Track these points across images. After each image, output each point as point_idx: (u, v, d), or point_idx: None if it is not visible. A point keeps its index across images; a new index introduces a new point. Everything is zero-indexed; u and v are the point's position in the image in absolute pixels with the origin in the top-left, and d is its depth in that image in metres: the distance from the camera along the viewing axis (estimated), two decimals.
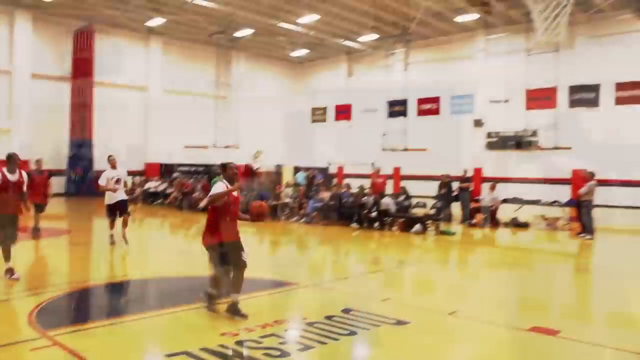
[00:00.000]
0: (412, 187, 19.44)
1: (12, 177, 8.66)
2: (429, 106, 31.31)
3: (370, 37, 30.37)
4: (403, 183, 25.85)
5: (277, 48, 33.45)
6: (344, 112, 35.17)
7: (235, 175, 7.33)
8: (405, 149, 30.52)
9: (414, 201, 17.69)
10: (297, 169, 29.94)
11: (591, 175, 15.64)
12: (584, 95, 25.77)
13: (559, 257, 13.85)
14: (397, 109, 32.08)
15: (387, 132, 31.27)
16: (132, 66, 29.74)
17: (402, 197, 17.82)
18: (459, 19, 26.93)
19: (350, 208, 17.80)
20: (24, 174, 8.99)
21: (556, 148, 25.14)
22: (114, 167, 12.27)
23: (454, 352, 5.93)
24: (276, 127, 35.64)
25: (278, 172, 32.65)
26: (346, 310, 6.94)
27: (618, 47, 23.92)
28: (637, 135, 24.15)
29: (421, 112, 31.50)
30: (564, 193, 22.02)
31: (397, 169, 30.37)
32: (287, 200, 19.89)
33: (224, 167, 7.39)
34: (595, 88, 25.49)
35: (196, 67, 32.23)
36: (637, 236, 17.61)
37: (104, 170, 12.30)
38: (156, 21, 27.51)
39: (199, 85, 32.04)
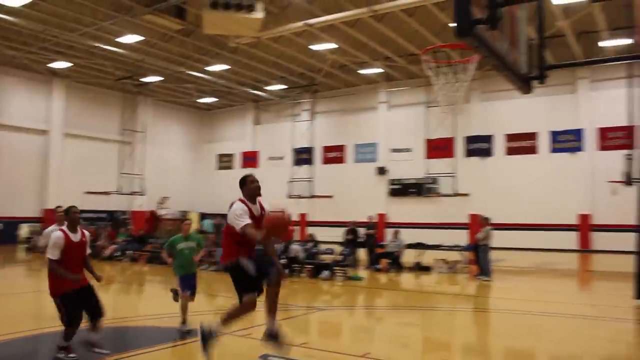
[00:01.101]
0: (319, 233, 19.83)
1: (75, 237, 6.94)
2: (335, 154, 32.18)
3: (278, 86, 31.04)
4: (310, 229, 26.29)
5: (185, 95, 33.54)
6: (250, 159, 35.50)
7: (258, 190, 6.17)
8: (312, 196, 31.06)
9: (322, 247, 18.02)
10: (203, 216, 29.76)
11: (487, 221, 16.62)
12: (479, 146, 27.48)
13: (459, 298, 14.56)
14: (303, 156, 32.75)
15: (293, 180, 31.80)
16: (32, 109, 28.75)
17: (310, 244, 18.13)
18: (363, 71, 28.12)
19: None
20: (86, 232, 7.28)
21: (454, 195, 26.45)
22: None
23: None
24: (182, 174, 35.40)
25: (184, 219, 32.23)
26: (264, 357, 7.08)
27: (507, 101, 25.70)
28: (524, 182, 25.98)
29: (327, 160, 32.32)
30: (463, 237, 23.19)
31: (303, 216, 30.83)
32: None
33: (244, 181, 6.15)
34: (488, 139, 27.29)
35: (101, 111, 31.62)
36: (529, 275, 18.77)
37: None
38: (60, 64, 26.92)
39: (104, 130, 31.41)
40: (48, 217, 28.48)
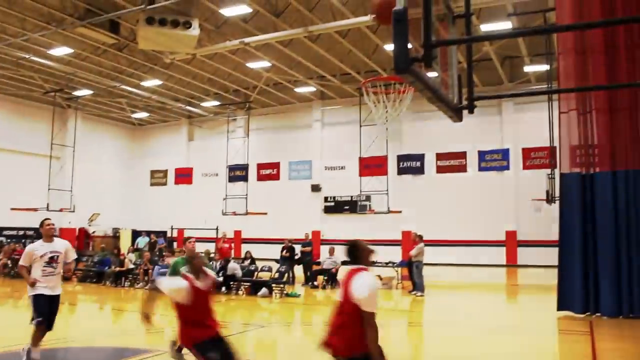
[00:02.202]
0: (255, 250, 19.87)
1: (202, 284, 5.96)
2: (269, 171, 32.31)
3: (212, 103, 30.99)
4: (246, 247, 26.24)
5: (118, 110, 32.95)
6: (184, 175, 35.16)
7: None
8: (247, 213, 31.03)
9: (259, 265, 18.08)
10: (135, 233, 29.18)
11: (420, 238, 17.10)
12: (411, 164, 28.23)
13: (394, 313, 14.93)
14: (237, 173, 32.69)
15: (228, 196, 31.69)
16: None
17: (247, 262, 18.17)
18: (298, 90, 28.47)
19: None
20: (212, 273, 6.37)
21: (388, 212, 27.03)
22: (48, 238, 7.68)
23: None
24: (114, 190, 34.65)
25: (115, 236, 31.57)
26: None
27: (438, 121, 26.58)
28: (455, 200, 26.85)
29: (261, 177, 32.41)
30: (397, 254, 23.71)
31: (238, 233, 30.76)
32: (131, 266, 19.41)
33: (361, 249, 5.18)
34: (420, 157, 28.07)
35: (29, 125, 30.55)
36: (460, 290, 19.39)
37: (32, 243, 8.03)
38: None
39: (32, 144, 30.33)
40: None
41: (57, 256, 7.51)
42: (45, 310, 7.27)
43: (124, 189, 35.69)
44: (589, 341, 9.60)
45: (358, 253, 5.04)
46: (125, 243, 28.36)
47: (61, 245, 7.63)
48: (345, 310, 4.54)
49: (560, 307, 12.23)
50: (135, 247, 23.97)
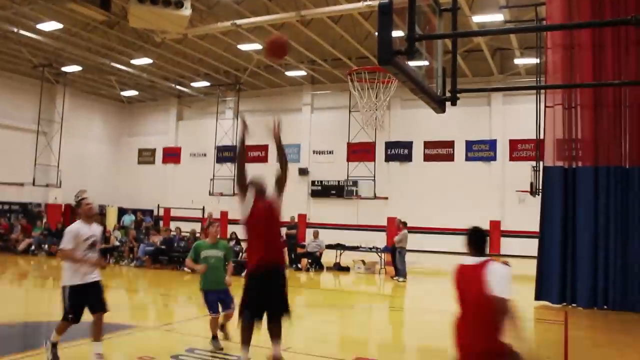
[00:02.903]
0: (241, 232, 20.00)
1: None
2: (257, 154, 32.27)
3: (202, 83, 30.91)
4: (232, 228, 26.36)
5: (107, 87, 32.75)
6: (172, 155, 35.10)
7: None
8: (234, 194, 31.08)
9: (245, 246, 18.21)
10: (121, 210, 29.16)
11: (404, 225, 17.29)
12: (399, 151, 28.38)
13: (376, 297, 15.16)
14: (226, 154, 32.70)
15: (215, 177, 31.74)
16: None
17: (233, 242, 18.30)
18: (289, 73, 28.46)
19: (182, 252, 17.95)
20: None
21: (374, 198, 27.21)
22: (88, 219, 6.59)
23: None
24: (101, 167, 34.55)
25: (102, 214, 31.55)
26: (190, 350, 7.29)
27: (426, 110, 26.68)
28: (441, 188, 27.07)
29: (249, 159, 32.38)
30: (381, 239, 23.94)
31: (224, 214, 30.84)
32: (117, 243, 19.49)
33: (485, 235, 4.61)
34: (408, 145, 28.23)
35: (16, 99, 30.18)
36: (442, 277, 19.67)
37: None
38: None
39: (19, 118, 30.02)
40: None
41: (96, 241, 6.58)
42: (81, 304, 6.41)
43: (111, 166, 35.60)
44: (563, 330, 9.87)
45: (484, 241, 4.40)
46: (111, 220, 28.39)
47: (98, 231, 6.66)
48: (480, 310, 4.08)
49: (538, 297, 12.52)
50: (121, 224, 24.00)
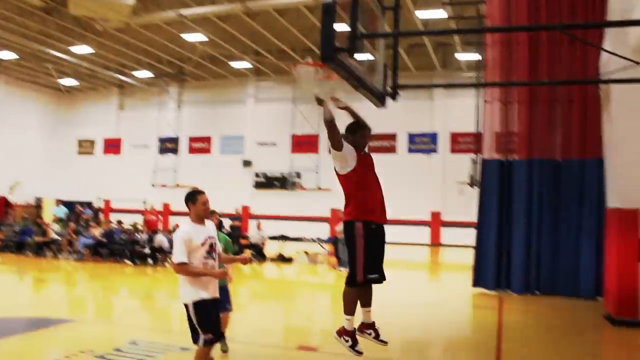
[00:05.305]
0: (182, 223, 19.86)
1: None
2: (201, 145, 32.09)
3: (145, 73, 30.39)
4: (174, 219, 26.15)
5: (44, 75, 31.72)
6: (113, 145, 34.42)
7: None
8: (176, 186, 30.83)
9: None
10: (61, 203, 28.31)
11: None
12: None
13: (318, 287, 15.39)
14: (168, 145, 32.34)
15: (158, 169, 31.35)
16: None
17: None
18: (233, 64, 28.31)
19: (123, 245, 17.74)
20: None
21: (317, 189, 27.45)
22: (203, 218, 5.40)
23: None
24: (37, 158, 33.51)
25: (38, 205, 30.73)
26: (133, 342, 7.29)
27: (370, 102, 27.09)
28: (384, 179, 27.31)
29: (193, 150, 32.16)
30: (324, 230, 24.20)
31: (166, 205, 30.53)
32: (55, 236, 19.06)
33: None
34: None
35: None
36: (385, 267, 20.08)
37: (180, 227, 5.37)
38: None
39: None
40: None
41: (215, 244, 5.36)
42: (215, 320, 5.25)
43: (49, 157, 34.49)
44: (497, 315, 10.32)
45: None
46: (49, 213, 27.66)
47: (213, 230, 5.47)
48: None
49: (475, 284, 13.00)
50: (57, 217, 23.37)
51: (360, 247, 5.17)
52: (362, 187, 5.30)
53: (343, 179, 5.29)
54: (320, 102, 4.94)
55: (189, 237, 5.07)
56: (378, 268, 5.32)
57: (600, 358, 7.94)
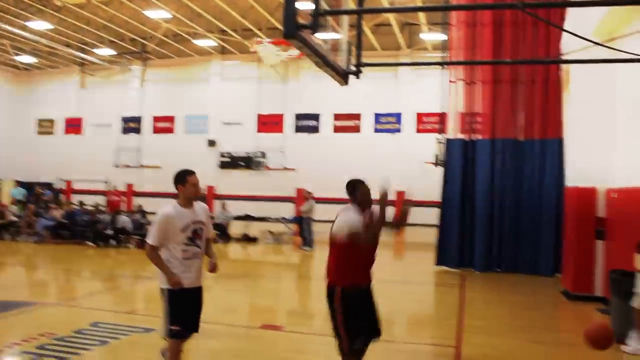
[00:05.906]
0: (147, 204, 19.67)
1: None
2: (165, 124, 31.69)
3: (107, 51, 29.74)
4: (138, 200, 25.83)
5: (0, 52, 30.75)
6: (74, 125, 33.72)
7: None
8: (140, 166, 30.42)
9: (151, 219, 17.96)
10: (20, 185, 27.64)
11: (310, 195, 17.65)
12: (307, 123, 28.64)
13: (283, 267, 15.43)
14: (131, 125, 31.86)
15: (120, 149, 30.86)
16: None
17: (138, 215, 18.01)
18: (197, 42, 27.93)
19: (85, 226, 17.47)
20: None
21: (283, 169, 27.41)
22: (192, 201, 5.00)
23: (198, 348, 6.63)
24: None
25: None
26: (94, 324, 7.20)
27: (335, 82, 27.03)
28: (349, 159, 27.55)
29: (157, 130, 31.74)
30: (289, 210, 24.21)
31: (130, 186, 30.12)
32: (13, 218, 18.64)
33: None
34: (316, 117, 28.53)
35: None
36: None
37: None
38: None
39: None
40: None
41: (202, 229, 4.93)
42: (188, 313, 4.91)
43: (7, 137, 33.54)
44: (459, 292, 10.51)
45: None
46: (7, 194, 27.01)
47: (203, 213, 4.98)
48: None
49: (438, 263, 13.21)
50: (18, 200, 22.86)
51: (340, 318, 4.92)
52: (353, 252, 5.06)
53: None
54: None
55: (166, 220, 4.69)
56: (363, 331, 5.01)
57: (557, 331, 8.16)
